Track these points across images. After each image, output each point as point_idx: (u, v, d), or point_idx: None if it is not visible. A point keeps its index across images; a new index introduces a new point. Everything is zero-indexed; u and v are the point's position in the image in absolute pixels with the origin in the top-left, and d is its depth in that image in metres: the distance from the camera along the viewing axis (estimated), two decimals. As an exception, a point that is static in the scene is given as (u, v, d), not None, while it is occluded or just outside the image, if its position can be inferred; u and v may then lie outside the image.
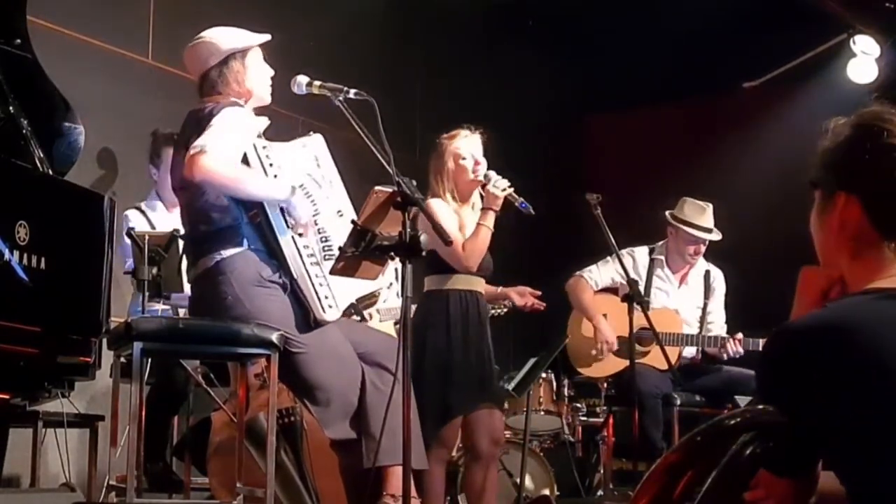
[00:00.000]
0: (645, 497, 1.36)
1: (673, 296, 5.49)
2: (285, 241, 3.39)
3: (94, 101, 4.86)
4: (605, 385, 5.75)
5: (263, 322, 3.31)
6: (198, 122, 3.37)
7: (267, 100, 3.61)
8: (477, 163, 4.16)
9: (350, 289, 3.49)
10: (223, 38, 3.52)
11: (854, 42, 6.86)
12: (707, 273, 5.54)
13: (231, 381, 4.31)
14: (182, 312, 4.15)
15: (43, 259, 3.32)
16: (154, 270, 3.77)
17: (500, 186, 4.06)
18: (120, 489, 3.90)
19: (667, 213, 5.47)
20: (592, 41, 7.69)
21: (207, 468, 4.05)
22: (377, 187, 3.17)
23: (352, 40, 6.46)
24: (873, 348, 1.38)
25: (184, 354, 3.87)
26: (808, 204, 1.64)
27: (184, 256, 3.67)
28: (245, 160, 3.38)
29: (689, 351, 5.38)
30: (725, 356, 5.21)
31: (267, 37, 3.57)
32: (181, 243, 3.68)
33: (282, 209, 3.39)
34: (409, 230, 3.02)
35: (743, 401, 5.15)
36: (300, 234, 3.41)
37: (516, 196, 4.06)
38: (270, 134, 3.58)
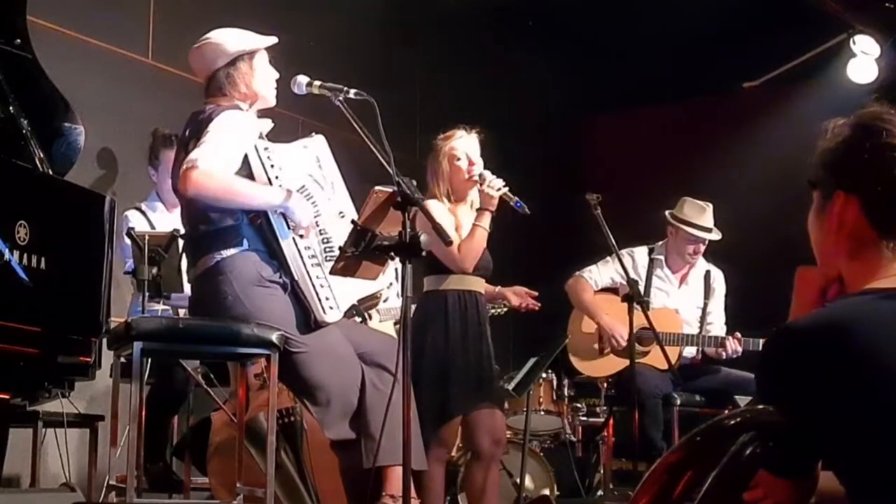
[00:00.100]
0: (645, 497, 1.36)
1: (673, 296, 5.49)
2: (286, 243, 3.39)
3: (94, 101, 4.86)
4: (605, 385, 5.75)
5: (263, 322, 3.32)
6: (197, 126, 3.39)
7: (272, 102, 3.61)
8: (471, 163, 4.16)
9: (352, 290, 3.49)
10: (231, 39, 3.52)
11: (854, 42, 6.87)
12: (707, 273, 5.54)
13: (231, 381, 4.31)
14: (182, 312, 4.15)
15: (43, 259, 3.32)
16: (154, 270, 3.77)
17: (495, 186, 4.05)
18: (120, 489, 3.90)
19: (667, 212, 5.47)
20: (592, 41, 7.70)
21: (207, 468, 4.05)
22: (377, 187, 3.17)
23: (352, 40, 6.46)
24: (873, 348, 1.38)
25: (184, 354, 3.87)
26: (808, 204, 1.64)
27: (184, 256, 3.67)
28: (246, 162, 3.38)
29: (690, 351, 5.38)
30: (724, 355, 5.20)
31: (274, 39, 3.57)
32: (181, 243, 3.68)
33: (282, 213, 3.39)
34: (409, 230, 3.02)
35: (743, 401, 5.14)
36: (301, 236, 3.42)
37: (511, 195, 4.05)
38: (270, 134, 3.59)
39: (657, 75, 7.62)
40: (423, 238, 3.01)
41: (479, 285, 4.23)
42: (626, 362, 4.74)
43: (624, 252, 5.20)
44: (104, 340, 3.59)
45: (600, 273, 5.42)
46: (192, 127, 3.44)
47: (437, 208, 4.05)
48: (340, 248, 3.24)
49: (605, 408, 5.94)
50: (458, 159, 4.17)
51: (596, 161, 8.52)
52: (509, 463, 5.14)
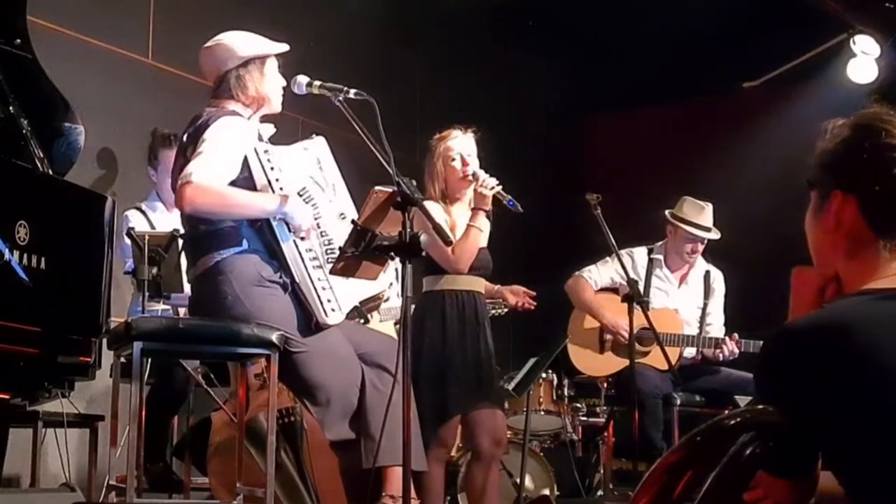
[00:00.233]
0: (645, 497, 1.36)
1: (672, 296, 5.49)
2: (287, 246, 3.39)
3: (94, 101, 4.86)
4: (605, 385, 5.75)
5: (263, 322, 3.32)
6: (195, 131, 3.41)
7: (277, 109, 3.62)
8: (465, 163, 4.15)
9: (353, 291, 3.49)
10: (243, 42, 3.53)
11: (854, 42, 6.87)
12: (707, 273, 5.54)
13: (231, 381, 4.31)
14: (182, 312, 4.15)
15: (43, 259, 3.32)
16: (154, 270, 3.77)
17: (488, 185, 4.05)
18: (120, 489, 3.90)
19: (666, 212, 5.47)
20: (592, 41, 7.70)
21: (207, 468, 4.05)
22: (377, 187, 3.17)
23: (352, 40, 6.46)
24: (871, 349, 1.38)
25: (184, 354, 3.87)
26: (807, 204, 1.64)
27: (183, 256, 3.68)
28: (246, 165, 3.38)
29: (690, 351, 5.38)
30: (721, 357, 5.20)
31: (285, 47, 3.57)
32: (181, 243, 3.68)
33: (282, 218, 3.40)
34: (409, 230, 3.02)
35: (743, 401, 5.14)
36: (302, 238, 3.41)
37: (504, 194, 4.05)
38: (271, 135, 3.59)
39: (657, 75, 7.62)
40: (423, 238, 3.01)
41: (478, 285, 4.23)
42: (626, 362, 4.74)
43: (623, 252, 5.19)
44: (104, 340, 3.59)
45: (600, 273, 5.42)
46: (190, 132, 3.46)
47: (433, 209, 4.04)
48: (340, 249, 3.24)
49: (605, 408, 5.94)
50: (453, 160, 4.17)
51: (596, 161, 8.52)
52: (509, 463, 5.14)
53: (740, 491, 1.45)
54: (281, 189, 3.39)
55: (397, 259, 3.12)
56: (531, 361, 4.96)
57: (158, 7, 5.68)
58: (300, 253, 3.40)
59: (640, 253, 5.52)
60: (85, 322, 3.56)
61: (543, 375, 5.56)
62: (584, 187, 4.67)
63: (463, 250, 4.04)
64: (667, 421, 5.14)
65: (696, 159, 7.40)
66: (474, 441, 4.18)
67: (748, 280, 5.73)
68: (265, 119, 3.62)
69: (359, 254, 3.18)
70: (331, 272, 3.34)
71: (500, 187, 4.06)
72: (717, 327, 5.48)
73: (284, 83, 3.58)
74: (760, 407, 1.43)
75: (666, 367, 4.90)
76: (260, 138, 3.51)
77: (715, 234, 5.41)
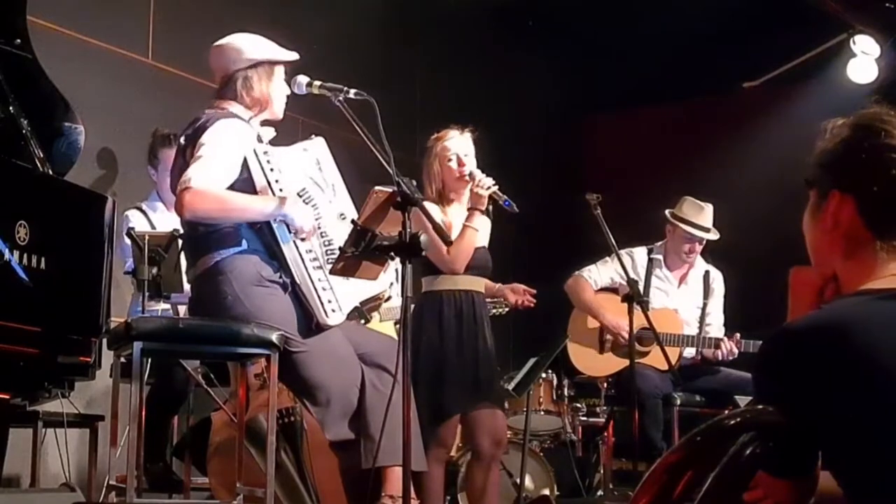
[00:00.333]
0: (645, 497, 1.36)
1: (672, 296, 5.49)
2: (288, 247, 3.39)
3: (94, 101, 4.86)
4: (605, 385, 5.75)
5: (263, 322, 3.32)
6: (194, 133, 3.42)
7: (279, 116, 3.63)
8: (461, 163, 4.15)
9: (354, 291, 3.49)
10: (255, 45, 3.53)
11: (854, 42, 6.87)
12: (706, 273, 5.54)
13: (231, 381, 4.31)
14: (182, 312, 4.15)
15: (43, 259, 3.32)
16: (154, 270, 3.77)
17: (484, 185, 4.05)
18: (120, 489, 3.90)
19: (667, 211, 5.47)
20: (592, 41, 7.70)
21: (207, 468, 4.05)
22: (377, 187, 3.17)
23: (352, 40, 6.46)
24: (870, 349, 1.38)
25: (183, 354, 3.87)
26: (807, 204, 1.64)
27: (182, 256, 3.68)
28: (246, 166, 3.38)
29: (690, 351, 5.38)
30: (720, 356, 5.20)
31: (295, 55, 3.57)
32: (181, 243, 3.69)
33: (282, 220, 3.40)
34: (408, 230, 3.02)
35: (743, 401, 5.14)
36: (303, 239, 3.41)
37: (500, 194, 4.05)
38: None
39: (657, 75, 7.62)
40: (422, 238, 3.01)
41: (477, 284, 4.22)
42: (626, 362, 4.74)
43: (623, 252, 5.19)
44: (104, 340, 3.59)
45: (600, 273, 5.42)
46: (188, 133, 3.47)
47: (430, 209, 4.04)
48: (340, 249, 3.24)
49: (605, 408, 5.94)
50: (450, 160, 4.17)
51: (596, 161, 8.52)
52: (509, 463, 5.14)
53: (740, 491, 1.45)
54: (280, 190, 3.39)
55: (397, 259, 3.12)
56: (531, 361, 4.96)
57: (158, 7, 5.68)
58: (300, 254, 3.40)
59: (640, 253, 5.52)
60: (85, 322, 3.56)
61: (543, 375, 5.56)
62: (584, 187, 4.67)
63: (459, 251, 4.03)
64: (667, 421, 5.14)
65: (696, 159, 7.40)
66: (474, 441, 4.18)
67: (748, 280, 5.73)
68: (265, 124, 3.62)
69: (359, 254, 3.18)
70: (331, 272, 3.34)
71: (496, 187, 4.06)
72: (716, 327, 5.48)
73: (289, 91, 3.58)
74: (760, 407, 1.43)
75: (666, 367, 4.90)
76: (259, 140, 3.51)
77: (713, 235, 5.40)
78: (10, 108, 3.72)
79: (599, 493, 5.71)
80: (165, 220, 4.69)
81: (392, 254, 3.11)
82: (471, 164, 4.16)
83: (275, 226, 3.38)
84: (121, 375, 3.41)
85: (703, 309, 5.50)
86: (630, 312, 4.54)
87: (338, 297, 3.43)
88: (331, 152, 3.65)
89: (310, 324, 3.42)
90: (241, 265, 3.37)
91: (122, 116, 5.34)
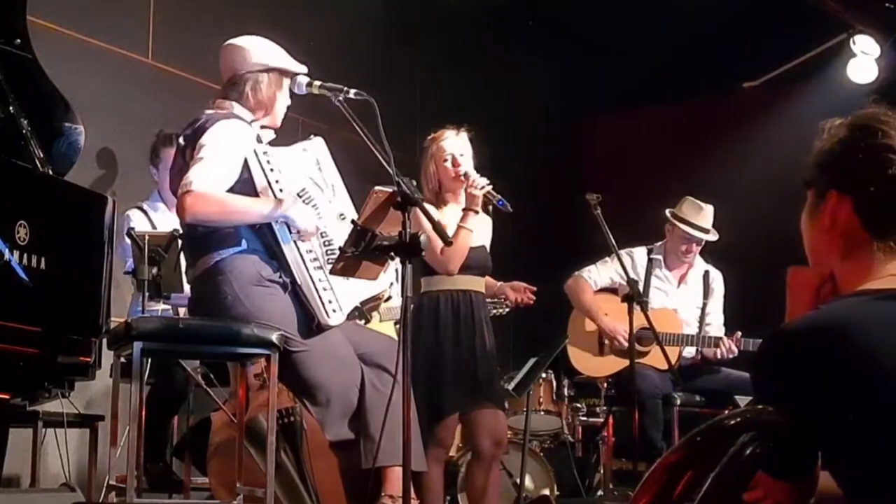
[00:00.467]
0: (645, 497, 1.36)
1: (672, 296, 5.49)
2: (288, 247, 3.39)
3: (94, 101, 4.86)
4: (605, 385, 5.75)
5: (263, 321, 3.32)
6: (193, 133, 3.42)
7: (277, 124, 3.63)
8: (455, 163, 4.14)
9: (354, 292, 3.49)
10: (270, 51, 3.54)
11: (854, 42, 6.87)
12: (706, 273, 5.54)
13: (231, 381, 4.31)
14: (182, 312, 4.15)
15: (43, 259, 3.32)
16: (154, 270, 3.77)
17: (478, 185, 4.04)
18: (120, 489, 3.90)
19: (667, 211, 5.47)
20: (592, 41, 7.70)
21: (207, 468, 4.05)
22: (377, 187, 3.17)
23: (352, 40, 6.46)
24: (869, 350, 1.38)
25: (183, 354, 3.87)
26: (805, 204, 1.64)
27: (182, 256, 3.68)
28: (246, 167, 3.38)
29: (690, 351, 5.38)
30: (718, 355, 5.20)
31: (304, 69, 3.57)
32: (181, 243, 3.69)
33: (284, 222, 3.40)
34: (408, 230, 3.02)
35: (743, 401, 5.15)
36: (303, 240, 3.41)
37: (494, 193, 4.04)
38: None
39: (657, 75, 7.62)
40: (422, 238, 3.01)
41: (476, 284, 4.21)
42: (626, 362, 4.74)
43: (623, 252, 5.19)
44: (104, 340, 3.59)
45: (599, 273, 5.42)
46: (188, 134, 3.46)
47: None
48: (340, 249, 3.24)
49: (605, 408, 5.94)
50: (445, 160, 4.16)
51: (596, 161, 8.53)
52: (509, 463, 5.14)
53: (740, 491, 1.45)
54: (281, 191, 3.39)
55: (397, 259, 3.12)
56: (531, 361, 4.96)
57: (158, 7, 5.68)
58: (301, 254, 3.40)
59: (640, 253, 5.52)
60: (85, 322, 3.56)
61: (543, 375, 5.56)
62: (584, 187, 4.67)
63: (453, 252, 4.01)
64: (667, 421, 5.15)
65: (696, 159, 7.40)
66: (475, 441, 4.18)
67: (748, 280, 5.73)
68: (264, 128, 3.62)
69: (359, 254, 3.18)
70: (331, 272, 3.34)
71: (490, 187, 4.05)
72: (716, 327, 5.48)
73: (290, 103, 3.59)
74: (760, 407, 1.43)
75: (666, 367, 4.90)
76: (259, 141, 3.51)
77: (712, 236, 5.40)
78: (10, 108, 3.72)
79: (599, 493, 5.71)
80: (166, 220, 4.69)
81: (392, 254, 3.11)
82: (466, 163, 4.15)
83: (275, 226, 3.38)
84: (121, 375, 3.41)
85: (703, 309, 5.50)
86: (630, 312, 4.54)
87: (338, 297, 3.43)
88: (331, 152, 3.65)
89: (310, 324, 3.42)
90: (241, 265, 3.37)
91: (122, 116, 5.34)
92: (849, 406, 1.37)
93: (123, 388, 3.43)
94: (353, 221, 3.21)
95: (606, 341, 5.43)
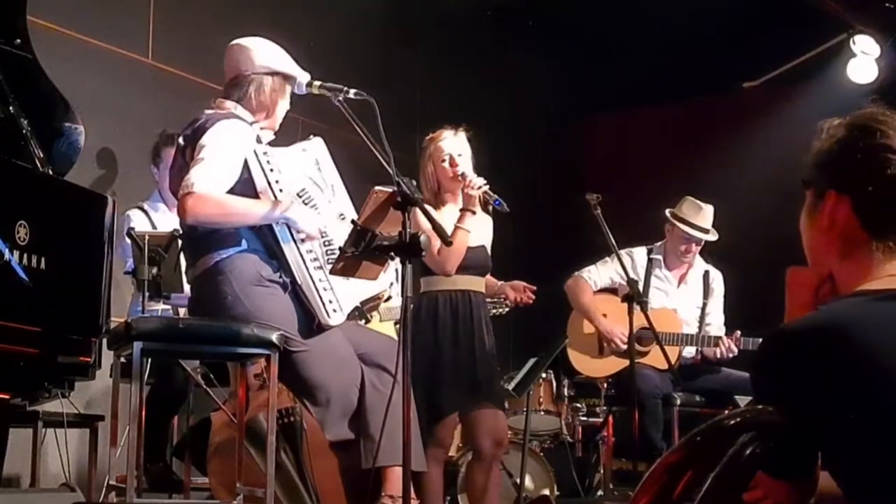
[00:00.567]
0: (645, 497, 1.36)
1: (672, 296, 5.49)
2: (288, 247, 3.39)
3: (94, 101, 4.86)
4: (605, 385, 5.75)
5: (263, 321, 3.32)
6: (193, 133, 3.42)
7: (276, 128, 3.63)
8: (453, 164, 4.14)
9: (354, 292, 3.49)
10: (277, 55, 3.53)
11: (854, 42, 6.87)
12: (706, 273, 5.54)
13: (231, 381, 4.31)
14: (182, 312, 4.15)
15: (43, 259, 3.32)
16: (154, 270, 3.77)
17: (475, 185, 4.04)
18: (120, 489, 3.90)
19: (667, 210, 5.47)
20: (592, 41, 7.70)
21: (207, 468, 4.05)
22: (377, 187, 3.17)
23: (352, 40, 6.46)
24: (869, 350, 1.38)
25: (183, 354, 3.87)
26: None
27: (182, 256, 3.68)
28: (246, 167, 3.38)
29: (690, 351, 5.38)
30: (718, 354, 5.20)
31: (308, 76, 3.57)
32: (181, 243, 3.69)
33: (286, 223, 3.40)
34: (408, 230, 3.02)
35: (743, 401, 5.15)
36: (303, 240, 3.41)
37: (491, 193, 4.04)
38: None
39: (657, 75, 7.61)
40: (422, 238, 3.01)
41: (474, 284, 4.21)
42: (626, 362, 4.74)
43: (623, 252, 5.19)
44: (104, 340, 3.59)
45: (599, 273, 5.42)
46: (188, 134, 3.46)
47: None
48: (340, 249, 3.24)
49: (604, 408, 5.94)
50: (443, 160, 4.16)
51: (596, 161, 8.53)
52: (509, 463, 5.14)
53: (740, 491, 1.45)
54: (281, 191, 3.39)
55: (397, 259, 3.12)
56: (531, 361, 4.96)
57: (158, 7, 5.69)
58: (301, 255, 3.40)
59: (640, 253, 5.52)
60: (85, 322, 3.56)
61: (543, 375, 5.56)
62: (584, 187, 4.67)
63: (449, 252, 4.01)
64: (667, 421, 5.15)
65: (696, 159, 7.40)
66: (475, 442, 4.18)
67: (748, 280, 5.73)
68: (263, 129, 3.62)
69: (359, 254, 3.18)
70: (331, 272, 3.34)
71: (487, 187, 4.05)
72: (716, 327, 5.48)
73: (288, 108, 3.59)
74: (760, 407, 1.43)
75: (665, 367, 4.90)
76: (259, 141, 3.51)
77: (711, 236, 5.40)
78: (10, 108, 3.72)
79: (599, 493, 5.71)
80: (167, 220, 4.69)
81: (392, 254, 3.11)
82: (464, 163, 4.15)
83: (276, 226, 3.38)
84: (121, 375, 3.41)
85: (703, 309, 5.50)
86: (630, 312, 4.54)
87: (338, 297, 3.43)
88: (330, 152, 3.65)
89: (310, 324, 3.42)
90: (241, 265, 3.37)
91: (122, 116, 5.35)
92: (849, 406, 1.37)
93: (123, 388, 3.43)
94: (353, 221, 3.21)
95: (607, 342, 5.43)
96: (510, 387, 4.84)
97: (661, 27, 6.89)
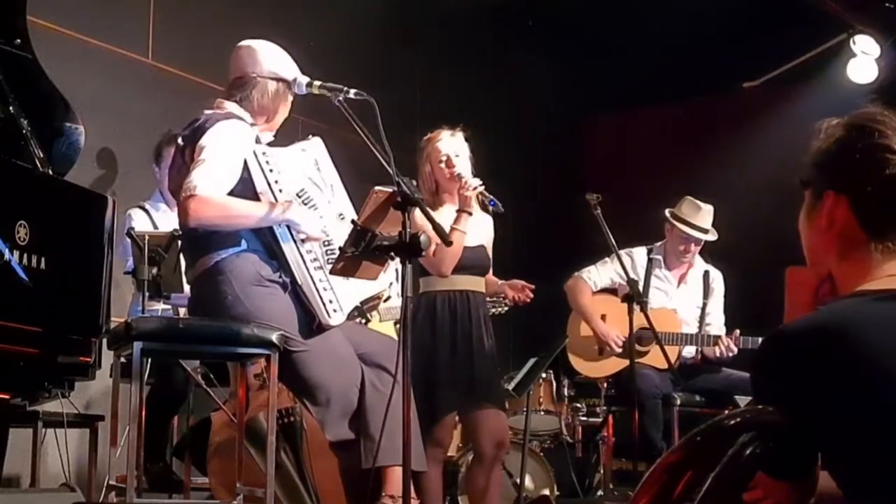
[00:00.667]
0: (645, 497, 1.36)
1: (672, 296, 5.49)
2: (288, 247, 3.39)
3: (94, 101, 4.87)
4: (605, 385, 5.75)
5: (263, 321, 3.32)
6: (193, 133, 3.42)
7: (274, 130, 3.63)
8: (450, 165, 4.14)
9: (354, 291, 3.49)
10: (284, 62, 3.53)
11: (854, 42, 6.87)
12: (706, 273, 5.54)
13: (231, 381, 4.32)
14: (182, 312, 4.15)
15: (43, 259, 3.32)
16: (154, 270, 3.77)
17: (471, 186, 4.04)
18: (120, 489, 3.90)
19: (667, 210, 5.47)
20: (592, 41, 7.71)
21: (207, 468, 4.05)
22: (377, 187, 3.17)
23: (352, 40, 6.47)
24: (869, 350, 1.38)
25: (183, 354, 3.87)
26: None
27: (182, 256, 3.68)
28: (246, 167, 3.38)
29: (689, 351, 5.38)
30: (717, 353, 5.20)
31: (307, 79, 3.58)
32: (181, 243, 3.68)
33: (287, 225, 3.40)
34: (408, 230, 3.02)
35: (743, 401, 5.15)
36: (303, 240, 3.41)
37: (486, 194, 4.04)
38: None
39: (657, 75, 7.62)
40: (422, 238, 3.00)
41: (473, 284, 4.20)
42: (626, 362, 4.74)
43: (623, 252, 5.19)
44: (104, 340, 3.59)
45: (599, 273, 5.42)
46: (187, 134, 3.46)
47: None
48: (340, 249, 3.24)
49: (604, 408, 5.95)
50: (441, 161, 4.16)
51: (596, 161, 8.53)
52: (509, 463, 5.13)
53: (740, 491, 1.45)
54: (280, 191, 3.39)
55: (397, 259, 3.12)
56: (531, 361, 4.96)
57: (158, 7, 5.69)
58: (301, 254, 3.40)
59: (640, 253, 5.52)
60: (85, 322, 3.56)
61: (543, 375, 5.56)
62: (584, 187, 4.67)
63: (445, 253, 4.00)
64: (667, 421, 5.15)
65: (696, 159, 7.40)
66: (476, 443, 4.18)
67: (747, 280, 5.73)
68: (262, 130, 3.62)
69: (359, 254, 3.18)
70: (331, 272, 3.34)
71: (483, 187, 4.04)
72: (716, 327, 5.48)
73: (287, 115, 3.60)
74: (760, 407, 1.43)
75: (665, 366, 4.90)
76: (258, 141, 3.51)
77: (710, 236, 5.40)
78: (10, 108, 3.72)
79: (599, 493, 5.71)
80: (168, 220, 4.69)
81: (392, 254, 3.11)
82: (462, 164, 4.14)
83: (276, 226, 3.38)
84: (121, 375, 3.41)
85: (703, 309, 5.50)
86: (630, 312, 4.54)
87: (338, 296, 3.43)
88: (330, 152, 3.65)
89: (310, 324, 3.42)
90: (241, 265, 3.37)
91: (122, 116, 5.35)
92: (848, 406, 1.37)
93: (123, 388, 3.43)
94: (353, 221, 3.21)
95: (604, 344, 5.44)
96: (510, 387, 4.84)
97: (661, 27, 6.90)
